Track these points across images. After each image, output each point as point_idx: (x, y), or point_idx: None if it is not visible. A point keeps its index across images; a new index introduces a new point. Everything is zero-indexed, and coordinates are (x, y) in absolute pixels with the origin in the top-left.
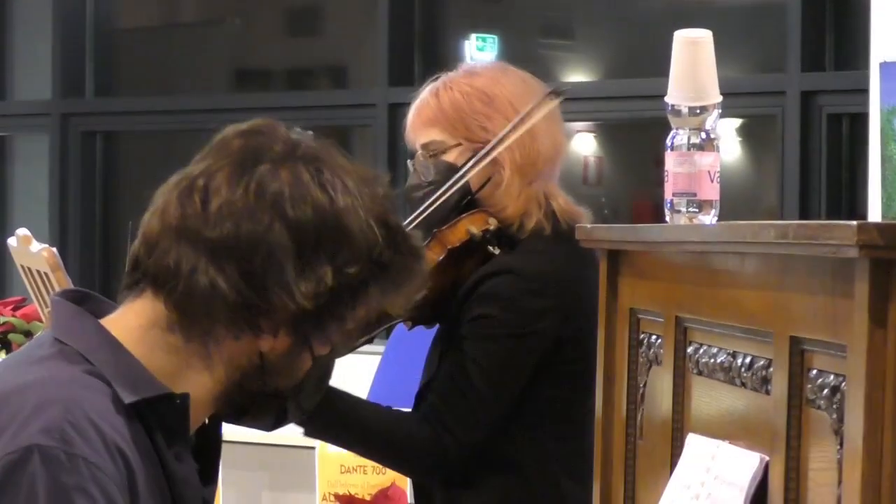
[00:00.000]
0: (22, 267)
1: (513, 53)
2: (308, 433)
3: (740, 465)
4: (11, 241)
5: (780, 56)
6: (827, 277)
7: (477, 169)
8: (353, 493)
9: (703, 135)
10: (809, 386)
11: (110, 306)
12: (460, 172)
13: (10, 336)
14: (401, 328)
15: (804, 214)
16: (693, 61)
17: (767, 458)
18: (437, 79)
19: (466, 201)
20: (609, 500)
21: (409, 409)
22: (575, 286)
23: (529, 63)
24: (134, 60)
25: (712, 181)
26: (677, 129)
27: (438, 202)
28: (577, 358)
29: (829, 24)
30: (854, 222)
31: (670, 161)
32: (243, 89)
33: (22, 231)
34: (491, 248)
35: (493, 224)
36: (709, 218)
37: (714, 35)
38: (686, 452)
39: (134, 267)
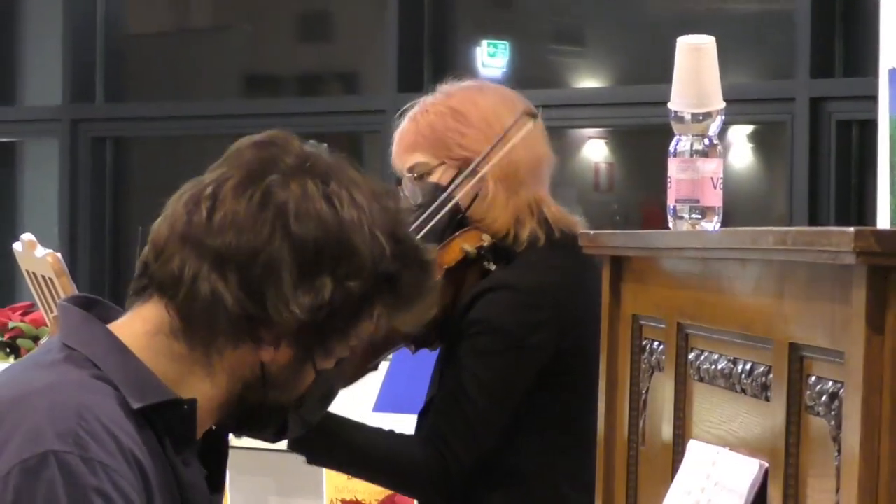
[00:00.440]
0: (27, 272)
1: (524, 59)
2: (310, 461)
3: (740, 471)
4: (17, 247)
5: (789, 62)
6: (826, 284)
7: (462, 184)
8: (359, 499)
9: (707, 141)
10: (808, 392)
11: (117, 312)
12: (445, 193)
13: (19, 341)
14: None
15: (813, 221)
16: (696, 68)
17: (767, 464)
18: (414, 105)
19: (458, 220)
20: None
21: (411, 431)
22: (572, 296)
23: (540, 69)
24: (144, 66)
25: (715, 188)
26: (680, 135)
27: (430, 224)
28: (578, 367)
29: (839, 31)
30: (851, 228)
31: (673, 167)
32: (253, 95)
33: (27, 236)
34: (487, 263)
35: (486, 240)
36: (712, 224)
37: (723, 41)
38: (687, 459)
39: (142, 273)
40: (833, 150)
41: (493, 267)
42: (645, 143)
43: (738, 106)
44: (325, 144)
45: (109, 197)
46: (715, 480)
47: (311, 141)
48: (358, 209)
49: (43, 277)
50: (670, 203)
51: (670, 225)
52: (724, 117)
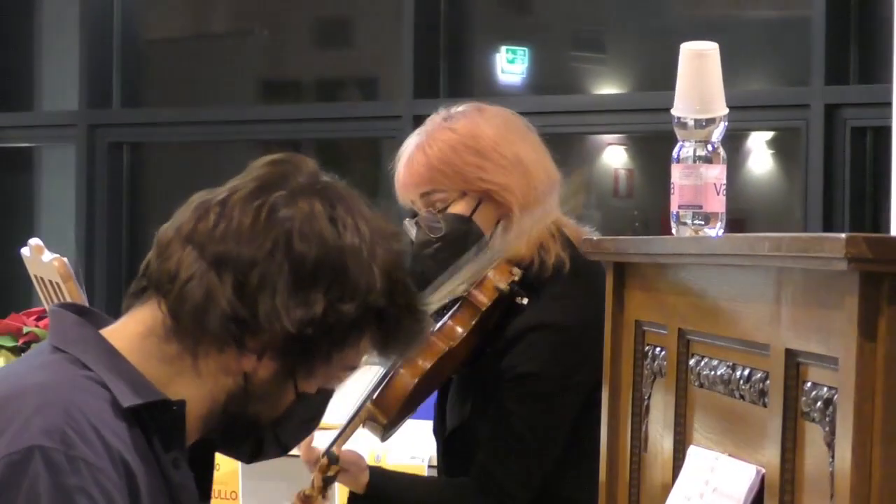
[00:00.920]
0: (35, 277)
1: (543, 66)
2: None
3: (737, 477)
4: (25, 252)
5: (804, 69)
6: (820, 290)
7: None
8: None
9: (710, 147)
10: (804, 399)
11: (109, 321)
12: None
13: (33, 346)
14: None
15: (828, 227)
16: (699, 74)
17: (763, 470)
18: (414, 134)
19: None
20: None
21: (440, 461)
22: (602, 327)
23: (560, 75)
24: (161, 71)
25: (718, 193)
26: (683, 141)
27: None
28: None
29: (854, 38)
30: (843, 235)
31: (676, 173)
32: (270, 101)
33: (35, 241)
34: (519, 299)
35: (517, 274)
36: (714, 230)
37: (739, 48)
38: (687, 464)
39: (143, 273)
40: (848, 156)
41: (525, 301)
42: (664, 150)
43: (753, 112)
44: (343, 181)
45: (126, 202)
46: (713, 486)
47: (331, 174)
48: (359, 237)
49: (50, 282)
50: (673, 209)
51: (673, 231)
52: (727, 123)
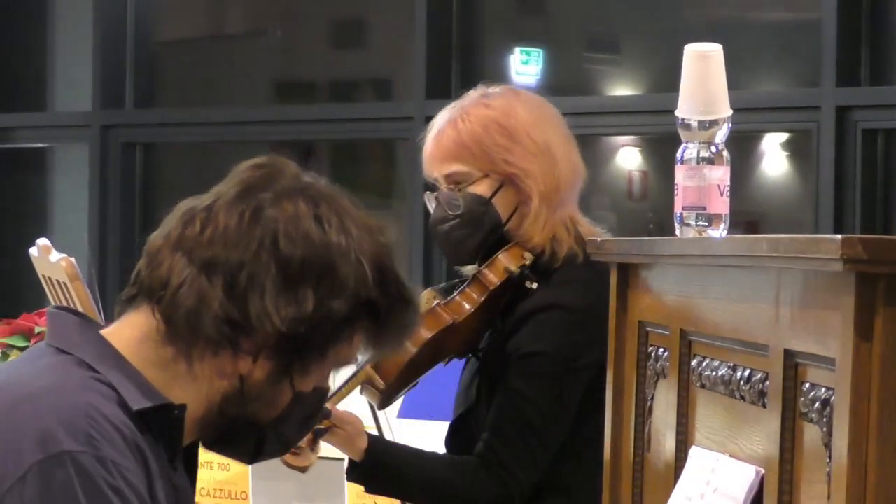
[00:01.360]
0: (43, 277)
1: (557, 67)
2: (369, 490)
3: (737, 477)
4: (33, 252)
5: (815, 71)
6: (818, 291)
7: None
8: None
9: (713, 148)
10: (802, 399)
11: (103, 326)
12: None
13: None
14: None
15: (838, 229)
16: (703, 75)
17: (763, 470)
18: (451, 108)
19: (499, 235)
20: None
21: (447, 445)
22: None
23: (574, 76)
24: (174, 72)
25: (722, 195)
26: (687, 142)
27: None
28: None
29: (865, 40)
30: (839, 236)
31: (680, 175)
32: (284, 101)
33: (42, 241)
34: (529, 283)
35: (528, 258)
36: (718, 232)
37: (751, 50)
38: (689, 465)
39: (134, 281)
40: (859, 158)
41: (534, 285)
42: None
43: (764, 114)
44: (325, 179)
45: (139, 202)
46: (714, 487)
47: (312, 173)
48: (346, 234)
49: (58, 282)
50: (677, 210)
51: (677, 232)
52: (731, 125)
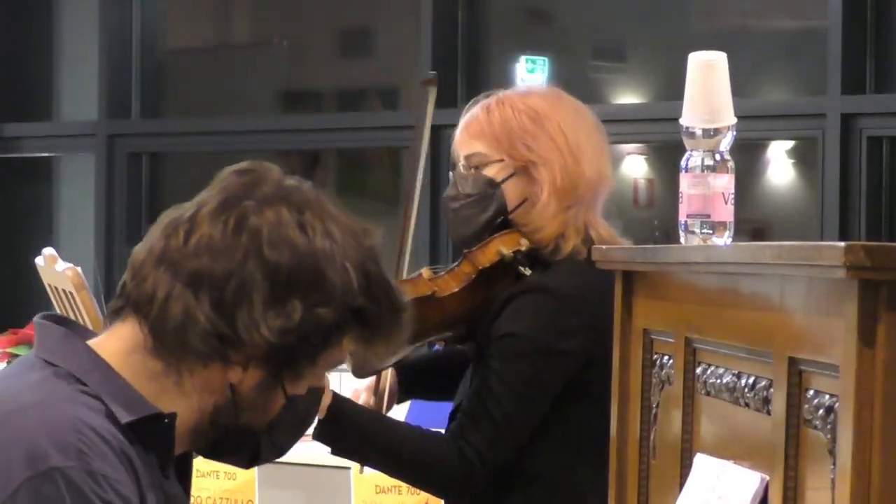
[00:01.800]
0: (49, 286)
1: (563, 75)
2: (335, 451)
3: (742, 484)
4: (39, 261)
5: (820, 79)
6: (821, 298)
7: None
8: None
9: (717, 157)
10: (806, 406)
11: (91, 333)
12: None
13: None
14: (435, 349)
15: (844, 237)
16: (707, 83)
17: (767, 477)
18: (489, 95)
19: (501, 220)
20: None
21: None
22: (608, 306)
23: (580, 85)
24: (181, 81)
25: (726, 203)
26: (691, 150)
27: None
28: (607, 378)
29: (870, 48)
30: (842, 243)
31: (684, 183)
32: (291, 111)
33: (48, 251)
34: (522, 268)
35: (524, 245)
36: (722, 239)
37: (757, 58)
38: (694, 472)
39: (120, 293)
40: (864, 166)
41: (528, 272)
42: None
43: (769, 122)
44: (309, 182)
45: (145, 212)
46: (719, 494)
47: (296, 176)
48: (330, 240)
49: (64, 291)
50: (682, 218)
51: (682, 240)
52: (735, 133)
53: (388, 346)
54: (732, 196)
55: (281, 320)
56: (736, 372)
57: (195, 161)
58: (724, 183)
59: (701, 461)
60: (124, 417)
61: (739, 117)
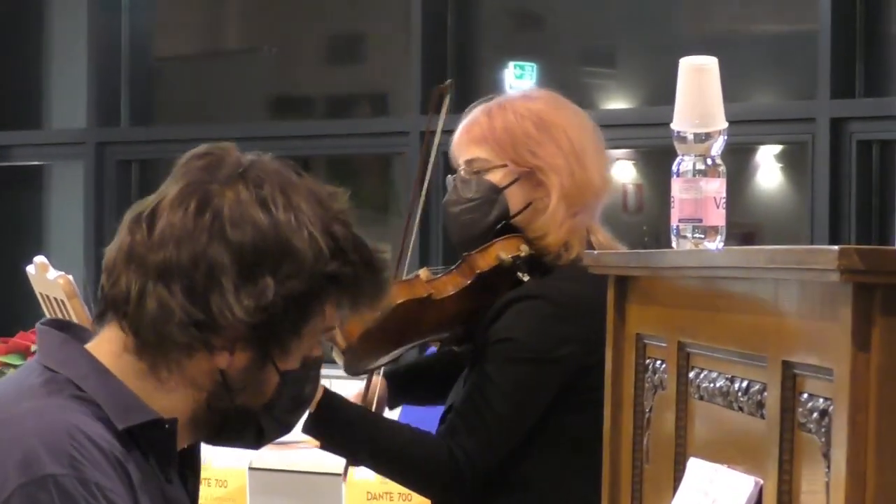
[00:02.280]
0: (40, 294)
1: (552, 81)
2: (325, 447)
3: (736, 488)
4: (30, 269)
5: (810, 83)
6: (815, 302)
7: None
8: None
9: (709, 161)
10: (800, 409)
11: (91, 335)
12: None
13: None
14: (432, 350)
15: (834, 240)
16: (699, 88)
17: (762, 481)
18: (490, 99)
19: (503, 225)
20: None
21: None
22: (604, 314)
23: (569, 91)
24: (170, 89)
25: (718, 207)
26: (683, 155)
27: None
28: (601, 387)
29: (859, 52)
30: (836, 247)
31: (676, 187)
32: (280, 118)
33: (39, 259)
34: (521, 274)
35: (524, 251)
36: (714, 244)
37: (746, 62)
38: (687, 476)
39: (100, 297)
40: (854, 170)
41: (526, 278)
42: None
43: (759, 126)
44: (270, 154)
45: None
46: (713, 498)
47: (258, 152)
48: (294, 211)
49: (55, 299)
50: (673, 223)
51: (673, 245)
52: (727, 137)
53: (373, 304)
54: (724, 200)
55: (254, 299)
56: (729, 376)
57: None
58: (716, 187)
59: (694, 465)
60: (121, 423)
61: (729, 122)
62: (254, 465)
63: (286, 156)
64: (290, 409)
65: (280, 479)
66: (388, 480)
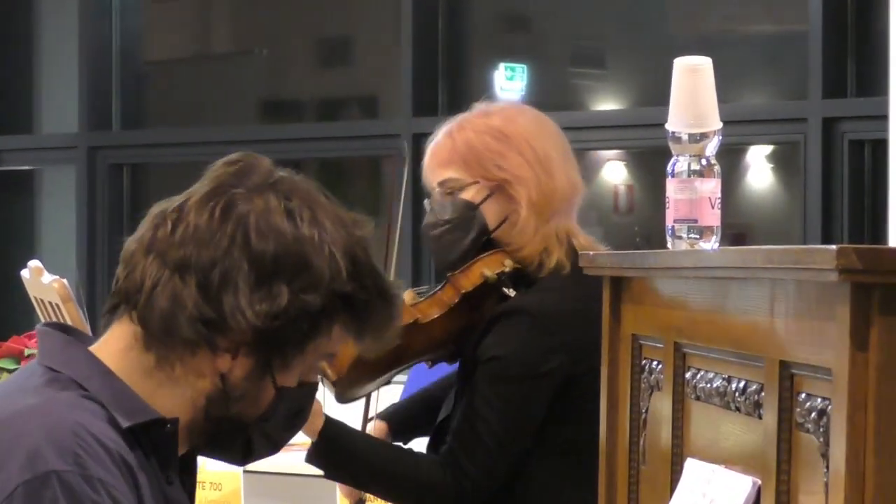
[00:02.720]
0: (35, 298)
1: (542, 82)
2: (328, 475)
3: (734, 489)
4: (24, 273)
5: (802, 83)
6: (813, 301)
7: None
8: None
9: (704, 161)
10: (798, 409)
11: (92, 339)
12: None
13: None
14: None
15: (827, 240)
16: (693, 88)
17: (759, 482)
18: (450, 121)
19: (483, 242)
20: None
21: (427, 452)
22: (588, 322)
23: (559, 92)
24: (161, 92)
25: (713, 207)
26: (678, 155)
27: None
28: (592, 395)
29: (851, 51)
30: (834, 247)
31: (671, 188)
32: (271, 120)
33: (34, 263)
34: (506, 289)
35: (508, 266)
36: (710, 244)
37: (737, 63)
38: (684, 477)
39: (114, 290)
40: (846, 169)
41: (512, 293)
42: (664, 165)
43: (751, 126)
44: (301, 174)
45: (127, 224)
46: (710, 498)
47: (288, 169)
48: (318, 227)
49: (50, 303)
50: (668, 223)
51: (669, 245)
52: (721, 138)
53: (378, 335)
54: (719, 200)
55: (267, 304)
56: (726, 376)
57: (176, 172)
58: (711, 187)
59: (692, 466)
60: (125, 422)
61: (721, 122)
62: (248, 469)
63: (277, 159)
64: (282, 427)
65: (275, 482)
66: None
